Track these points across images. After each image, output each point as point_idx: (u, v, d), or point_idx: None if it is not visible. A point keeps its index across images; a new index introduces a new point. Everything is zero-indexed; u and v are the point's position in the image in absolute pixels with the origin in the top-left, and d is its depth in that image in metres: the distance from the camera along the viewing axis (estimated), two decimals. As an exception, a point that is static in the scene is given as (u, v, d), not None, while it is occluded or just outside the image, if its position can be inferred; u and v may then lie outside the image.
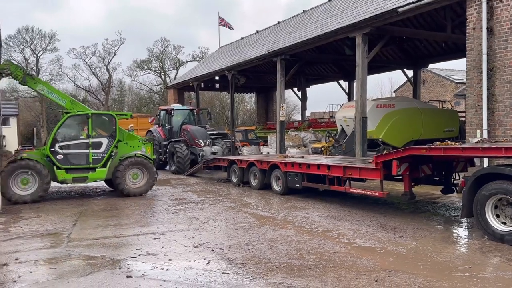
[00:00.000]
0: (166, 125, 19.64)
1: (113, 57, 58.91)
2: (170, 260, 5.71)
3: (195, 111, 21.06)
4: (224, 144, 19.49)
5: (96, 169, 11.55)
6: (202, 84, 28.41)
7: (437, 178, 9.04)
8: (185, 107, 21.86)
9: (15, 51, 54.29)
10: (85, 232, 7.46)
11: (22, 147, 48.26)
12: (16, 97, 52.28)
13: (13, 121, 44.39)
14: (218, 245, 6.42)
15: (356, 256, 5.79)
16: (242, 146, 24.93)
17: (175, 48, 60.64)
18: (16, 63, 12.03)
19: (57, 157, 11.19)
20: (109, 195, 12.34)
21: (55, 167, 11.20)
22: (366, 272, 5.15)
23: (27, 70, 11.64)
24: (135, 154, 12.07)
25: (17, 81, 11.27)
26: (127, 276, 5.04)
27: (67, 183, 11.73)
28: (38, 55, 54.59)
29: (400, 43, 20.82)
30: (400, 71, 23.88)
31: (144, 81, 62.83)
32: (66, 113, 11.62)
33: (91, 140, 11.50)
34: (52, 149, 11.16)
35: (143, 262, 5.61)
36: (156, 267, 5.40)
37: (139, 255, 5.95)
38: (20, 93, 51.56)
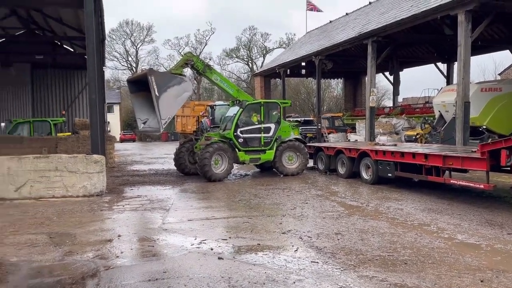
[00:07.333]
0: (210, 117, 23.91)
1: (204, 46, 61.33)
2: (259, 244, 5.75)
3: None
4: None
5: (266, 151, 12.91)
6: (288, 70, 28.30)
7: (555, 170, 7.96)
8: (225, 103, 24.48)
9: (117, 43, 59.08)
10: (179, 214, 7.84)
11: (124, 132, 51.79)
12: (118, 86, 56.84)
13: (116, 108, 48.53)
14: (306, 233, 6.32)
15: (457, 253, 5.31)
16: (329, 133, 24.49)
17: (263, 36, 61.28)
18: (196, 55, 13.76)
19: (239, 140, 12.68)
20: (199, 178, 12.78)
21: (236, 150, 12.61)
22: (470, 270, 4.69)
23: (206, 62, 13.09)
24: (291, 138, 13.18)
25: (196, 71, 12.80)
26: (219, 258, 5.16)
27: (244, 163, 13.16)
28: (137, 46, 58.78)
29: (508, 20, 18.61)
30: (507, 51, 21.49)
31: (232, 69, 64.59)
32: (237, 101, 13.01)
33: (263, 125, 12.93)
34: (235, 134, 12.64)
35: (233, 245, 5.72)
36: (246, 251, 5.46)
37: (230, 237, 6.08)
38: (122, 83, 55.95)
